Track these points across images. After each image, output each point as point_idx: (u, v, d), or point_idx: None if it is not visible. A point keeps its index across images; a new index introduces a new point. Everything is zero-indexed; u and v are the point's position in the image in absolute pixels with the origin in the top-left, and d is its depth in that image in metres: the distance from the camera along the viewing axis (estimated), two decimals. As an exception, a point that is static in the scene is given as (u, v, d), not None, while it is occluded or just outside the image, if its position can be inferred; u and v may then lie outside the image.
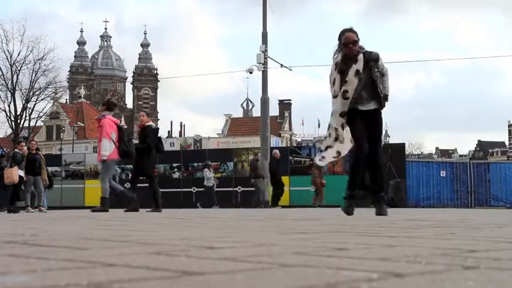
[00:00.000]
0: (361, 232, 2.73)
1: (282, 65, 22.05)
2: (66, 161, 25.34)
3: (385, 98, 5.66)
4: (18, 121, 40.35)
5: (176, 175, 22.84)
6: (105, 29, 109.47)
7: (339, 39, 5.57)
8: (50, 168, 25.35)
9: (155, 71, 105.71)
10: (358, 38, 5.56)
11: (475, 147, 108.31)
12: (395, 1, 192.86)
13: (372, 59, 5.56)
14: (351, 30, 5.60)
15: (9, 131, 42.71)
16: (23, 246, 1.93)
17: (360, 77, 5.49)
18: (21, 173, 12.74)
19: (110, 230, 3.13)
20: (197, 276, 1.13)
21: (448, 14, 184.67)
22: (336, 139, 5.68)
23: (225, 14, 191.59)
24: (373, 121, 5.63)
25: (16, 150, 12.97)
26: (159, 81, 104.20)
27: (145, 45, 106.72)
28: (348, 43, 5.48)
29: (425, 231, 2.78)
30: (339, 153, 5.78)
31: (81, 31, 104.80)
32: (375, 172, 5.80)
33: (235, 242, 2.05)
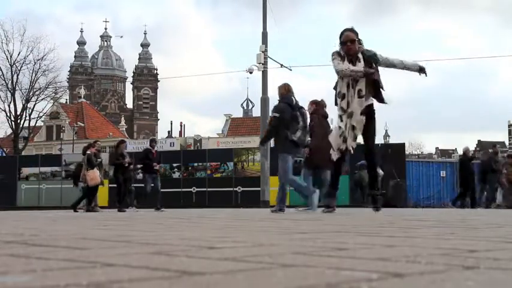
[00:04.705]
0: (361, 232, 2.73)
1: (282, 65, 22.07)
2: (66, 161, 25.36)
3: (421, 69, 5.94)
4: (18, 121, 40.36)
5: (176, 175, 22.85)
6: (105, 29, 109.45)
7: (340, 37, 5.73)
8: (50, 169, 25.48)
9: (155, 71, 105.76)
10: (357, 38, 5.72)
11: (475, 147, 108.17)
12: (388, 2, 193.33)
13: (370, 56, 5.76)
14: (351, 30, 5.85)
15: (9, 131, 42.72)
16: (23, 246, 1.93)
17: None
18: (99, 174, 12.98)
19: (110, 230, 3.13)
20: (197, 276, 1.13)
21: (439, 16, 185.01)
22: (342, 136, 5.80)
23: (222, 16, 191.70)
24: (368, 118, 5.74)
25: (89, 152, 13.03)
26: (159, 81, 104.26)
27: (145, 45, 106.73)
28: (346, 41, 5.71)
29: (425, 231, 2.78)
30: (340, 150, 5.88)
31: (81, 31, 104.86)
32: (373, 171, 6.04)
33: (235, 242, 2.05)
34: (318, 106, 8.63)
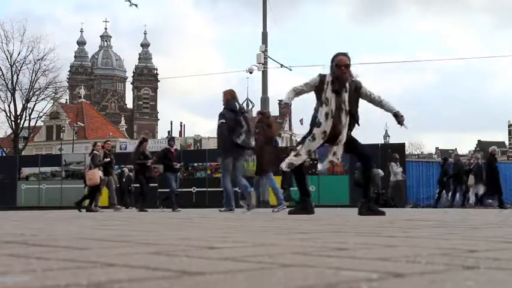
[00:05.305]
0: (361, 232, 2.73)
1: (282, 65, 22.08)
2: (66, 161, 25.36)
3: (397, 114, 5.90)
4: (18, 121, 40.37)
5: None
6: (105, 29, 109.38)
7: (332, 60, 5.78)
8: (49, 169, 25.47)
9: (155, 71, 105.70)
10: (350, 63, 5.80)
11: (475, 147, 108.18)
12: (388, 2, 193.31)
13: (356, 87, 5.81)
14: (345, 54, 5.85)
15: (9, 131, 42.74)
16: (23, 246, 1.93)
17: (347, 106, 5.76)
18: (101, 174, 12.85)
19: (110, 230, 3.13)
20: (197, 276, 1.13)
21: (438, 16, 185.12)
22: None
23: (222, 16, 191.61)
24: (351, 141, 5.88)
25: (95, 152, 12.97)
26: (159, 81, 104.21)
27: (145, 45, 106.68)
28: (340, 65, 5.71)
29: (425, 231, 2.78)
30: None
31: (81, 31, 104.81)
32: (368, 182, 6.17)
33: (235, 242, 2.05)
34: (263, 116, 9.37)
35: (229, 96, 8.40)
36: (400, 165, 18.82)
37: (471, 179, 16.57)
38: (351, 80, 5.76)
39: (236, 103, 8.37)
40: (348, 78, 5.71)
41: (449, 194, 17.49)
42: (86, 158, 24.95)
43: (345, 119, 5.70)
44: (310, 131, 5.83)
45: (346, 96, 5.69)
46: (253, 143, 8.68)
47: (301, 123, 70.08)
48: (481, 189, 16.41)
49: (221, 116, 8.28)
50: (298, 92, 5.94)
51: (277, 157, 9.39)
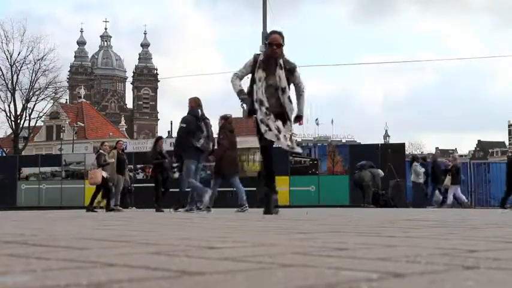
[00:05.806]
0: (361, 232, 2.73)
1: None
2: (66, 161, 25.34)
3: (299, 116, 5.80)
4: (18, 121, 40.36)
5: (176, 175, 22.83)
6: (105, 29, 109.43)
7: (266, 38, 5.79)
8: (50, 169, 25.45)
9: (155, 71, 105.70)
10: (283, 43, 5.70)
11: (475, 147, 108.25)
12: (388, 2, 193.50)
13: (289, 69, 5.71)
14: (279, 33, 5.76)
15: (9, 131, 42.71)
16: (23, 246, 1.93)
17: (279, 83, 5.64)
18: (104, 174, 12.70)
19: (110, 230, 3.13)
20: (197, 276, 1.13)
21: (438, 16, 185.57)
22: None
23: (222, 16, 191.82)
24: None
25: (101, 151, 12.87)
26: (159, 81, 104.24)
27: (145, 45, 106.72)
28: (272, 44, 5.63)
29: (425, 231, 2.78)
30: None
31: (81, 31, 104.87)
32: (271, 175, 5.99)
33: (235, 242, 2.05)
34: (226, 122, 9.71)
35: (194, 104, 9.07)
36: (399, 166, 18.80)
37: (448, 179, 16.65)
38: (285, 59, 5.70)
39: (199, 110, 9.03)
40: (279, 56, 5.65)
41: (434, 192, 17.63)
42: (86, 158, 24.98)
43: (282, 96, 5.62)
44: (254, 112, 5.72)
45: (281, 73, 5.62)
46: (211, 147, 9.26)
47: (300, 123, 69.84)
48: (458, 189, 16.67)
49: (183, 120, 8.97)
50: (241, 76, 5.87)
51: (236, 162, 10.17)
